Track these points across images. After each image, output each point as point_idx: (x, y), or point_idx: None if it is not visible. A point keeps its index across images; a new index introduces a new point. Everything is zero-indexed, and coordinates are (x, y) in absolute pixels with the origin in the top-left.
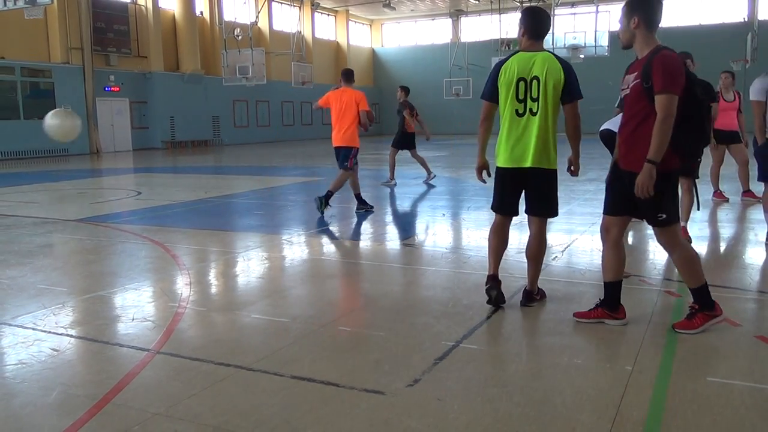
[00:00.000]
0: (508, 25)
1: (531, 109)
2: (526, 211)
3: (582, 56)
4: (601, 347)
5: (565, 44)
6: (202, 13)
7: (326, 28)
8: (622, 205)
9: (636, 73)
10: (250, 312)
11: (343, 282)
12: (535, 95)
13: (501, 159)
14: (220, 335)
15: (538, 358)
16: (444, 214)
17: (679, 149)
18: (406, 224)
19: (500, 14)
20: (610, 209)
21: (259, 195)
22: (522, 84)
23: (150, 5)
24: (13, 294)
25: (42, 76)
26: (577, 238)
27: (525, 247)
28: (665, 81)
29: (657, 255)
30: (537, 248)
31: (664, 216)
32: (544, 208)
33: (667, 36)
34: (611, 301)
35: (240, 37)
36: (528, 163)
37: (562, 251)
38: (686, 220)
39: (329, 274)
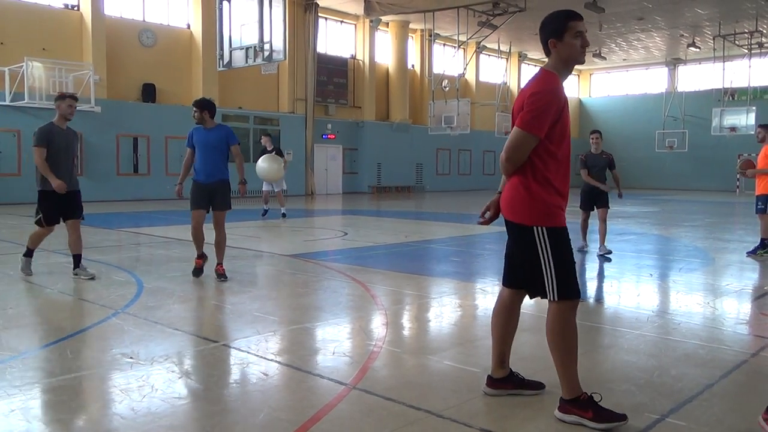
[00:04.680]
0: (733, 74)
1: None
2: None
3: None
4: None
5: None
6: (413, 66)
7: None
8: None
9: None
10: (442, 358)
11: (537, 337)
12: None
13: None
14: (411, 378)
15: None
16: (652, 275)
17: None
18: (608, 282)
19: (723, 62)
20: None
21: (456, 242)
22: None
23: (367, 60)
24: (233, 318)
25: (270, 124)
26: None
27: None
28: None
29: None
30: None
31: None
32: None
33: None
34: None
35: (447, 89)
36: None
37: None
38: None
39: (523, 327)
